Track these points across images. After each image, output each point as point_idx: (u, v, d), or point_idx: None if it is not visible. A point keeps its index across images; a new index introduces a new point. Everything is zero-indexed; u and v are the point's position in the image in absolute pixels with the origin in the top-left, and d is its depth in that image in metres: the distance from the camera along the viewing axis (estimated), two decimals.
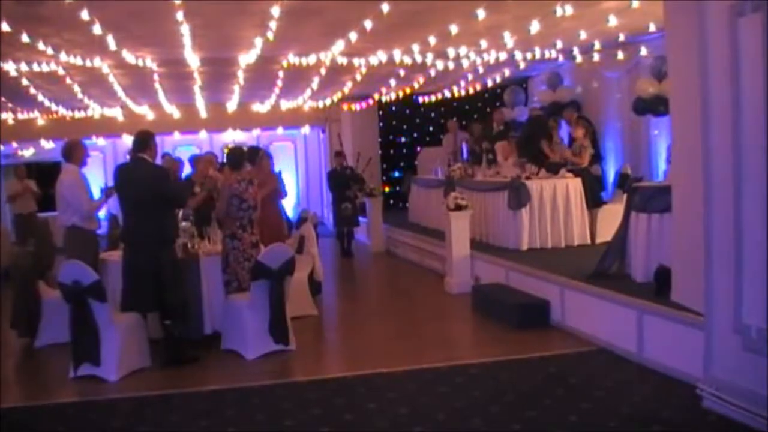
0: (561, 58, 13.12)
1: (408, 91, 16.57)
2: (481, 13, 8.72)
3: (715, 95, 5.26)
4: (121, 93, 14.07)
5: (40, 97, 13.75)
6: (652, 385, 6.04)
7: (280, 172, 9.47)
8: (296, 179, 19.95)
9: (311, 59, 11.75)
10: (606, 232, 9.76)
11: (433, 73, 13.62)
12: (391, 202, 18.81)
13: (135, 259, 7.26)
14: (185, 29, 8.81)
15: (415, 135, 19.65)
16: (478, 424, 5.35)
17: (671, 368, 6.18)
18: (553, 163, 11.46)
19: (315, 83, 14.54)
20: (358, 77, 13.74)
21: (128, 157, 7.61)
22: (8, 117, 15.80)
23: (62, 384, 6.86)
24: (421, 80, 14.85)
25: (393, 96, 17.30)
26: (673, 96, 6.89)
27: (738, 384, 5.08)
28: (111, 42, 9.07)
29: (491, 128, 15.35)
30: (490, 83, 16.11)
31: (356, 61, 12.21)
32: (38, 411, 6.16)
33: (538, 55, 12.60)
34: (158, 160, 8.53)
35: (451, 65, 12.86)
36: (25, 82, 11.86)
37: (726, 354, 5.22)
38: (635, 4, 9.05)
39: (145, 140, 7.45)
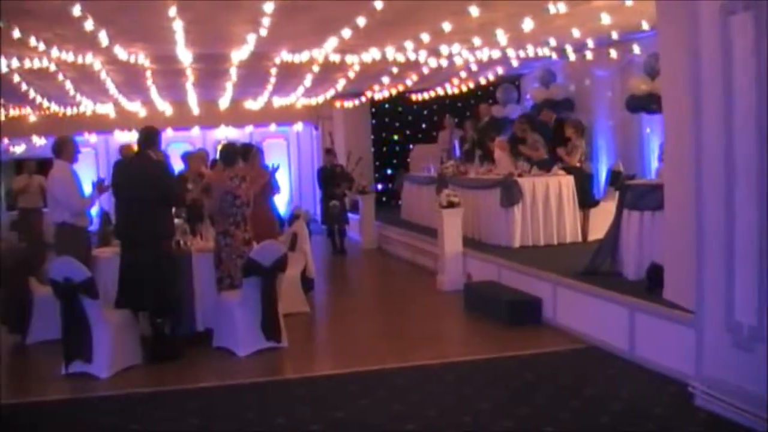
0: (554, 56, 13.13)
1: (401, 88, 16.57)
2: (474, 11, 8.73)
3: (706, 93, 5.27)
4: (113, 89, 14.03)
5: (32, 94, 13.69)
6: (643, 382, 6.05)
7: (276, 168, 9.34)
8: (289, 176, 19.91)
9: (304, 56, 11.73)
10: (598, 230, 9.76)
11: (426, 70, 13.61)
12: (384, 199, 18.80)
13: (132, 256, 7.24)
14: (178, 25, 8.78)
15: (407, 132, 19.63)
16: (470, 421, 5.35)
17: (662, 366, 6.18)
18: (544, 160, 11.46)
19: (308, 80, 14.52)
20: (351, 75, 13.73)
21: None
22: None
23: (53, 381, 6.83)
24: (414, 78, 14.85)
25: (386, 94, 17.29)
26: (665, 94, 6.90)
27: (729, 381, 5.09)
28: (103, 37, 9.03)
29: (479, 121, 15.51)
30: (483, 81, 16.12)
31: (349, 59, 12.19)
32: (29, 408, 6.14)
33: (531, 53, 12.60)
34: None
35: (444, 63, 12.85)
36: (16, 78, 11.80)
37: (717, 351, 5.23)
38: (628, 3, 9.05)
39: (149, 136, 7.49)
